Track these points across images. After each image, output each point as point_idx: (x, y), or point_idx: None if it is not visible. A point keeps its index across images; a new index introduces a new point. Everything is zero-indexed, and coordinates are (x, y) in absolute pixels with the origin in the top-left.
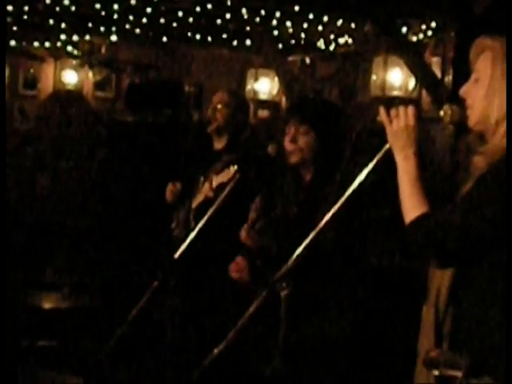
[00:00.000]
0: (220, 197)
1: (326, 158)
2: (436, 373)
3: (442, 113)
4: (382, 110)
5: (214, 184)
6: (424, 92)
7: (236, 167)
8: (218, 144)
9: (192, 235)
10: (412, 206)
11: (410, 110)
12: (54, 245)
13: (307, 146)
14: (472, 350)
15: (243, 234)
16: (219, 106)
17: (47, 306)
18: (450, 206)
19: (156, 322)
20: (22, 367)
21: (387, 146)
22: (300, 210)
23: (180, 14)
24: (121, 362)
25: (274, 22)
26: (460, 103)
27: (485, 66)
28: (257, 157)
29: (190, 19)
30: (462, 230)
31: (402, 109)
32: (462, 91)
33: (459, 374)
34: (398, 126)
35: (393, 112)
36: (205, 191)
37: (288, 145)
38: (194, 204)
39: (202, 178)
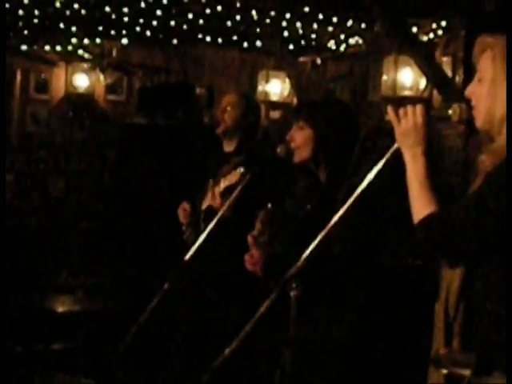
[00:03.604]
0: (229, 199)
1: (330, 156)
2: (444, 371)
3: (450, 111)
4: (390, 109)
5: (222, 186)
6: (435, 91)
7: (242, 169)
8: (228, 146)
9: (201, 238)
10: (421, 206)
11: (419, 108)
12: (67, 248)
13: (303, 143)
14: (482, 347)
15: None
16: (228, 108)
17: (60, 309)
18: (457, 206)
19: (167, 324)
20: (35, 370)
21: (396, 145)
22: (313, 211)
23: (190, 16)
24: (132, 364)
25: (284, 24)
26: (469, 102)
27: (486, 65)
28: (265, 158)
29: (200, 21)
30: (468, 229)
31: (410, 108)
32: (467, 91)
33: (468, 372)
34: (407, 125)
35: (401, 111)
36: (212, 195)
37: (289, 144)
38: (203, 206)
39: (211, 181)
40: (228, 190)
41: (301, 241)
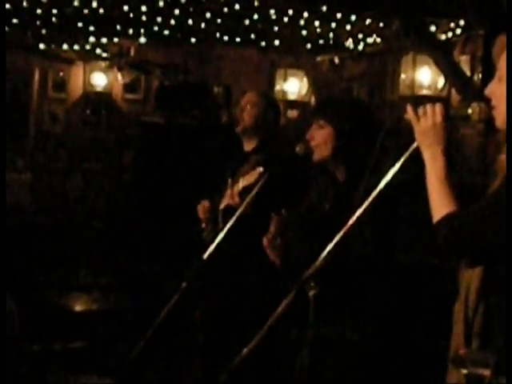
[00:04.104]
0: (247, 198)
1: (349, 155)
2: (464, 371)
3: (470, 111)
4: (409, 108)
5: (240, 186)
6: (453, 90)
7: (261, 169)
8: (248, 146)
9: (220, 237)
10: (440, 205)
11: (438, 107)
12: (86, 247)
13: (323, 141)
14: (501, 347)
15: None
16: (247, 107)
17: (78, 308)
18: (476, 205)
19: (185, 323)
20: (52, 369)
21: (415, 144)
22: (331, 210)
23: (208, 15)
24: (151, 363)
25: (302, 22)
26: (489, 101)
27: (506, 64)
28: (284, 157)
29: (218, 20)
30: (486, 229)
31: (429, 107)
32: (487, 91)
33: (488, 372)
34: (426, 124)
35: (420, 110)
36: (231, 194)
37: (309, 142)
38: (222, 205)
39: (229, 180)
40: (246, 190)
41: (318, 240)
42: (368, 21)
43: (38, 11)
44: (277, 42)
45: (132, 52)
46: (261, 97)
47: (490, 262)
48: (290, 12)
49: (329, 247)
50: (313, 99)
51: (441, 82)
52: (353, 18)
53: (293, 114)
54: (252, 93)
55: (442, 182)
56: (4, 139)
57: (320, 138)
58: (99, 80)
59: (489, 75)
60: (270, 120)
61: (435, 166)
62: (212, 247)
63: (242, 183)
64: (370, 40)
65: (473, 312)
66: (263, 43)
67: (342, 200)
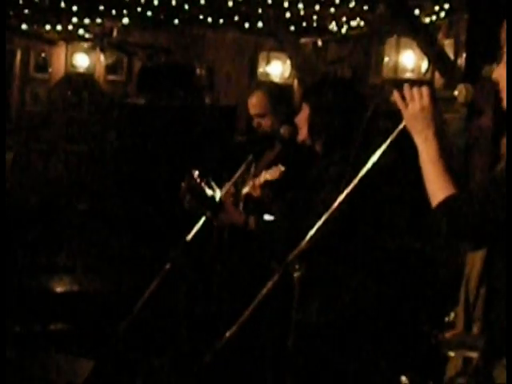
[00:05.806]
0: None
1: (323, 126)
2: (452, 354)
3: (456, 93)
4: (396, 95)
5: (262, 179)
6: (437, 74)
7: (283, 168)
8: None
9: (202, 220)
10: (438, 188)
11: (425, 90)
12: (67, 228)
13: (303, 122)
14: (495, 331)
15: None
16: (261, 120)
17: (59, 289)
18: (478, 186)
19: (168, 304)
20: (33, 351)
21: (401, 126)
22: (314, 181)
23: None
24: (133, 344)
25: (286, 5)
26: (473, 84)
27: (506, 48)
28: (299, 147)
29: (202, 1)
30: (490, 210)
31: (416, 90)
32: (495, 75)
33: (475, 354)
34: (414, 109)
35: (407, 95)
36: (253, 185)
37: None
38: (244, 191)
39: (253, 166)
40: (267, 184)
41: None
42: (352, 4)
43: None
44: (260, 24)
45: (115, 33)
46: (267, 99)
47: (493, 243)
48: None
49: (314, 229)
50: (296, 82)
51: (424, 65)
52: (337, 0)
53: None
54: (257, 98)
55: (436, 165)
56: (4, 137)
57: (300, 120)
58: (81, 61)
59: (473, 59)
60: (284, 111)
61: (428, 150)
62: (196, 229)
63: (263, 177)
64: (353, 23)
65: (474, 296)
66: (246, 25)
67: (322, 171)
